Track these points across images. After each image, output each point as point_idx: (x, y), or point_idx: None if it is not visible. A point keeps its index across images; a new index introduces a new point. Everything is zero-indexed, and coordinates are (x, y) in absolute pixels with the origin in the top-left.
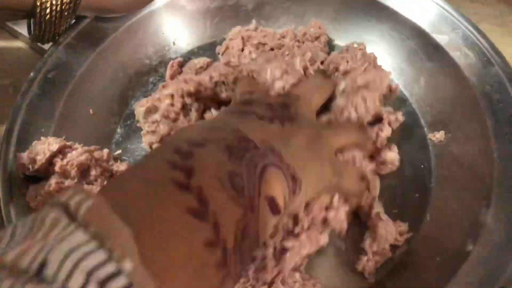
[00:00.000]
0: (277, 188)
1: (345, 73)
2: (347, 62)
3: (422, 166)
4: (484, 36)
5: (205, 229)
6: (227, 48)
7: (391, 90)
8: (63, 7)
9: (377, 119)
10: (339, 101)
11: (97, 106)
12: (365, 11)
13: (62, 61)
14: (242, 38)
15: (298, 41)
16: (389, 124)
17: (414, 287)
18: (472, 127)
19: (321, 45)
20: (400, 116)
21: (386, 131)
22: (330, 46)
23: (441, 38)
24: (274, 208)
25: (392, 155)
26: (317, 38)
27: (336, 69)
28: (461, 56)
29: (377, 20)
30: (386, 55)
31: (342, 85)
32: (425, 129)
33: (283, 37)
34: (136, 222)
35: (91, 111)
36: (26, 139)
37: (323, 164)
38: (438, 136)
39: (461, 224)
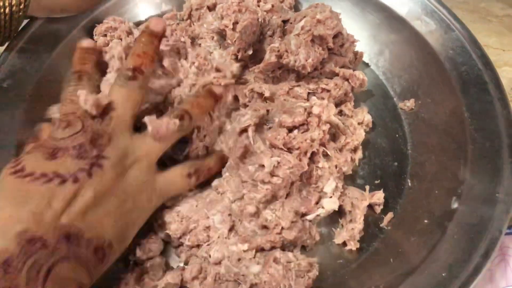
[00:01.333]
0: (69, 281)
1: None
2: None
3: (397, 135)
4: (441, 3)
5: None
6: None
7: (356, 56)
8: (13, 8)
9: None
10: (292, 40)
11: None
12: None
13: (16, 68)
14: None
15: None
16: (348, 80)
17: (405, 250)
18: (440, 91)
19: (286, 7)
20: (360, 75)
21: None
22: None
23: (401, 9)
24: None
25: (367, 117)
26: (282, 1)
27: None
28: (422, 24)
29: None
30: (350, 31)
31: (301, 23)
32: (395, 99)
33: None
34: None
35: None
36: None
37: (139, 196)
38: (408, 104)
39: (442, 185)
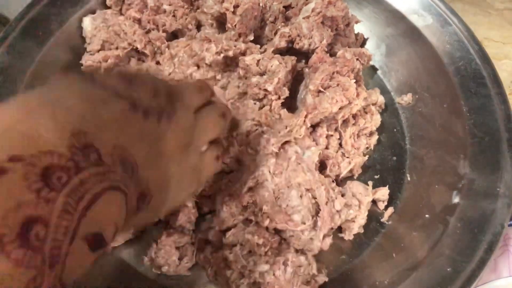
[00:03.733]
0: (109, 217)
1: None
2: None
3: (395, 130)
4: None
5: None
6: None
7: (357, 37)
8: None
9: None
10: (303, 24)
11: None
12: None
13: (5, 65)
14: None
15: None
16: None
17: (408, 245)
18: (438, 85)
19: None
20: (367, 51)
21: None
22: None
23: (398, 3)
24: (98, 243)
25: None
26: None
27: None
28: (419, 18)
29: None
30: None
31: (311, 5)
32: (392, 93)
33: None
34: None
35: None
36: None
37: (191, 171)
38: (406, 99)
39: (442, 179)
